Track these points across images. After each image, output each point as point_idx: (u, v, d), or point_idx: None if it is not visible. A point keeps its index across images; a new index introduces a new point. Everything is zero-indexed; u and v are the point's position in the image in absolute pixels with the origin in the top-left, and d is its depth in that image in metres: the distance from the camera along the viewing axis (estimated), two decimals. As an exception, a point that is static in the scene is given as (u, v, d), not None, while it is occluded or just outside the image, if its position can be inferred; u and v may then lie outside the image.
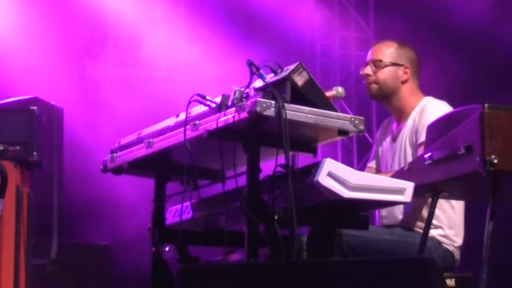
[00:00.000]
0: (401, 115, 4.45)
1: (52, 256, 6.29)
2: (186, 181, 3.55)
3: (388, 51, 4.48)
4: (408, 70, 4.44)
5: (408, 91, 4.44)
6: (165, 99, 7.77)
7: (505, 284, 5.66)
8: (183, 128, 3.42)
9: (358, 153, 8.80)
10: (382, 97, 4.52)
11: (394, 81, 4.44)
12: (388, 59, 4.45)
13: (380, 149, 4.56)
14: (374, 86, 4.47)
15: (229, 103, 3.35)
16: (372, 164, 4.60)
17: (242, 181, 3.39)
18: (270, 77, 3.39)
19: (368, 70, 4.48)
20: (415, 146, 4.27)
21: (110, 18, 8.43)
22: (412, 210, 4.23)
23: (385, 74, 4.45)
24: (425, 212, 4.15)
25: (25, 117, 3.99)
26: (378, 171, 4.54)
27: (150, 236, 3.81)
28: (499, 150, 3.17)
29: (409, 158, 4.27)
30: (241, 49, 7.91)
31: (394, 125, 4.50)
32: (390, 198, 3.37)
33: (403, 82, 4.44)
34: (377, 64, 4.46)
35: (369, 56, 4.54)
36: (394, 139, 4.44)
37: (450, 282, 4.00)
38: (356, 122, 3.37)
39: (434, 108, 4.30)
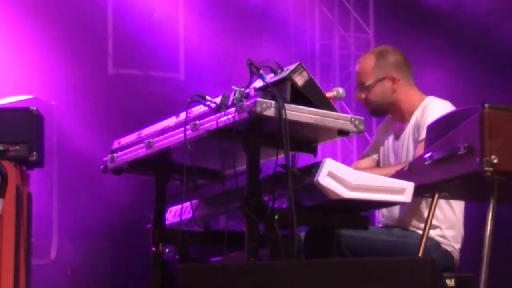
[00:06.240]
0: (404, 116, 4.43)
1: (52, 256, 6.31)
2: (186, 181, 3.55)
3: (368, 70, 4.41)
4: (395, 77, 4.41)
5: (404, 95, 4.41)
6: (165, 99, 7.77)
7: (505, 284, 5.66)
8: (183, 128, 3.42)
9: (358, 153, 8.78)
10: (382, 113, 4.54)
11: (386, 96, 4.40)
12: (371, 79, 4.40)
13: (382, 147, 4.54)
14: (370, 107, 4.46)
15: (229, 103, 3.35)
16: (367, 152, 4.57)
17: (242, 181, 3.39)
18: (270, 77, 3.38)
19: (359, 94, 4.47)
20: (417, 143, 4.26)
21: (111, 17, 8.44)
22: (411, 210, 4.22)
23: (374, 94, 4.41)
24: (424, 212, 4.14)
25: (25, 117, 3.98)
26: (378, 165, 4.52)
27: (150, 236, 3.81)
28: (499, 150, 3.17)
29: (412, 156, 4.27)
30: (241, 49, 7.91)
31: (397, 124, 4.48)
32: (390, 198, 3.37)
33: (395, 91, 4.42)
34: (363, 87, 4.43)
35: (356, 77, 4.52)
36: (397, 137, 4.43)
37: (450, 282, 4.00)
38: (356, 122, 3.37)
39: (436, 107, 4.29)
